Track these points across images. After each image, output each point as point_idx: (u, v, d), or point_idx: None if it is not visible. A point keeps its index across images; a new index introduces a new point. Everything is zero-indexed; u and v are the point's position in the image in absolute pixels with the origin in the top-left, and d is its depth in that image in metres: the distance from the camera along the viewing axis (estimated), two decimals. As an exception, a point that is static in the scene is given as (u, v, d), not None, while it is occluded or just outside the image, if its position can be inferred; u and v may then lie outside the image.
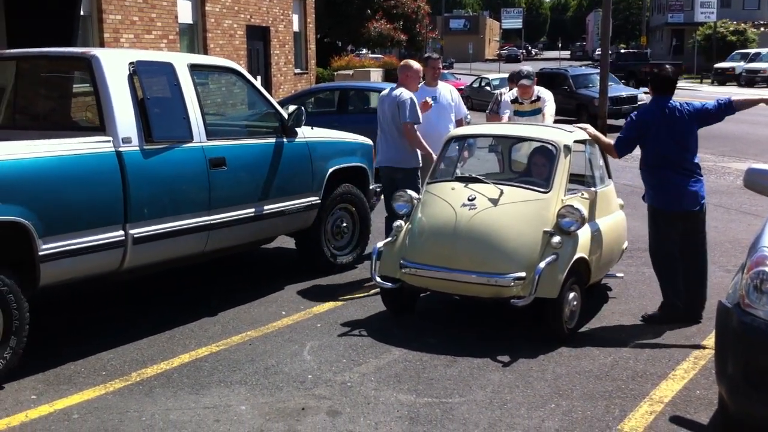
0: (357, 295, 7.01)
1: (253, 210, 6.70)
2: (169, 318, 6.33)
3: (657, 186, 6.15)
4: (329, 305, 6.75)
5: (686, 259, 6.20)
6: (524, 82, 8.38)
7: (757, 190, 4.88)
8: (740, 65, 45.44)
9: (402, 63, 7.68)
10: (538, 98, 8.46)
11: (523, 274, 5.64)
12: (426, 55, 8.48)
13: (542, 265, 5.59)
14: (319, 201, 7.44)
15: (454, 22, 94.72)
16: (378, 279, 6.13)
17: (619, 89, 23.52)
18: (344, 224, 7.88)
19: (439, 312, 6.62)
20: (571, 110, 23.55)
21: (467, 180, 6.31)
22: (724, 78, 45.90)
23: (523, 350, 5.68)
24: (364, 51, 47.47)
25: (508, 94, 8.79)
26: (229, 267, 7.89)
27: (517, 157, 7.42)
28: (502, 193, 6.03)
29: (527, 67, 8.94)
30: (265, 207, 6.82)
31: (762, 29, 58.36)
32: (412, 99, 7.25)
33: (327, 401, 4.85)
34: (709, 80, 47.75)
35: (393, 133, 7.37)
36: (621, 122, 23.10)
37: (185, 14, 18.14)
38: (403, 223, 6.31)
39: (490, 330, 6.14)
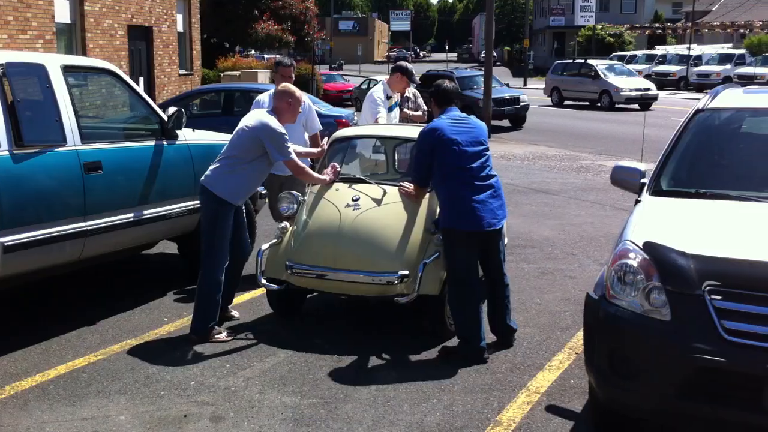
0: (242, 299, 6.94)
1: (131, 215, 6.54)
2: (45, 328, 6.12)
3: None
4: (213, 310, 6.66)
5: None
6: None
7: (622, 186, 5.10)
8: (618, 67, 47.23)
9: (283, 89, 6.15)
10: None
11: (406, 272, 5.70)
12: (277, 59, 7.53)
13: (425, 262, 5.67)
14: (202, 204, 7.32)
15: (343, 23, 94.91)
16: (263, 281, 6.04)
17: (502, 91, 24.08)
18: (228, 227, 7.78)
19: (325, 312, 6.64)
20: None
21: (351, 180, 6.34)
22: (602, 79, 47.59)
23: (408, 347, 5.77)
24: (253, 52, 47.06)
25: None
26: (108, 274, 7.68)
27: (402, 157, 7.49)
28: (385, 192, 6.09)
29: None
30: (145, 211, 6.67)
31: (638, 32, 60.91)
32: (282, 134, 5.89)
33: (210, 407, 4.79)
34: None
35: None
36: (505, 123, 23.82)
37: (62, 14, 17.54)
38: (288, 224, 6.28)
39: (376, 329, 6.20)
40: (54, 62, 6.22)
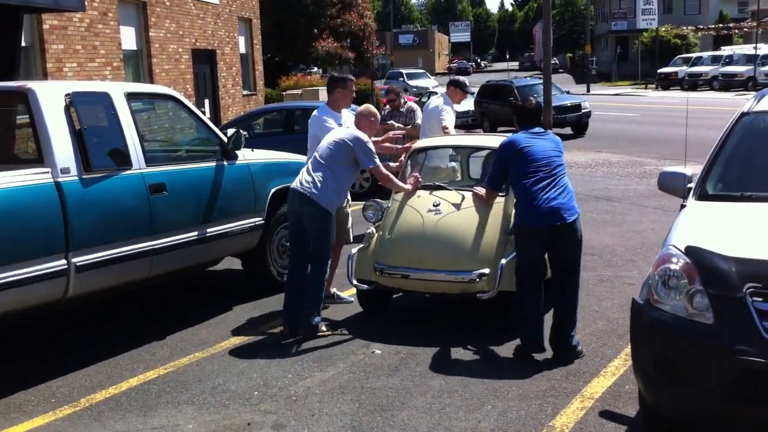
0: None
1: (195, 233, 6.82)
2: (117, 343, 6.42)
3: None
4: (276, 323, 6.88)
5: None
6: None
7: (669, 192, 5.14)
8: (682, 69, 46.53)
9: (365, 109, 6.86)
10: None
11: (486, 270, 6.18)
12: (342, 76, 7.74)
13: (503, 261, 6.10)
14: (263, 221, 7.58)
15: (403, 37, 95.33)
16: (355, 282, 6.60)
17: (563, 98, 23.99)
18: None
19: (384, 324, 6.79)
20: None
21: (431, 188, 6.83)
22: (667, 82, 46.96)
23: (464, 357, 5.91)
24: (315, 69, 47.73)
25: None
26: (177, 290, 7.98)
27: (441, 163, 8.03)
28: (463, 198, 6.57)
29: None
30: (208, 230, 6.95)
31: (703, 33, 59.79)
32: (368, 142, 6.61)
33: (272, 415, 5.00)
34: (654, 85, 48.74)
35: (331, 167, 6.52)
36: (566, 131, 23.70)
37: (129, 41, 18.17)
38: (374, 229, 6.82)
39: (431, 337, 6.33)
40: (118, 90, 6.56)
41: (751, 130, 5.12)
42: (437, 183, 7.00)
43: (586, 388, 5.24)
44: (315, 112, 7.43)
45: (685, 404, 3.86)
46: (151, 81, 18.74)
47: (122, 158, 6.25)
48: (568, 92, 27.18)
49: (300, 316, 6.45)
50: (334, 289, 7.33)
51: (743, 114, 5.20)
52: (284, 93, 27.76)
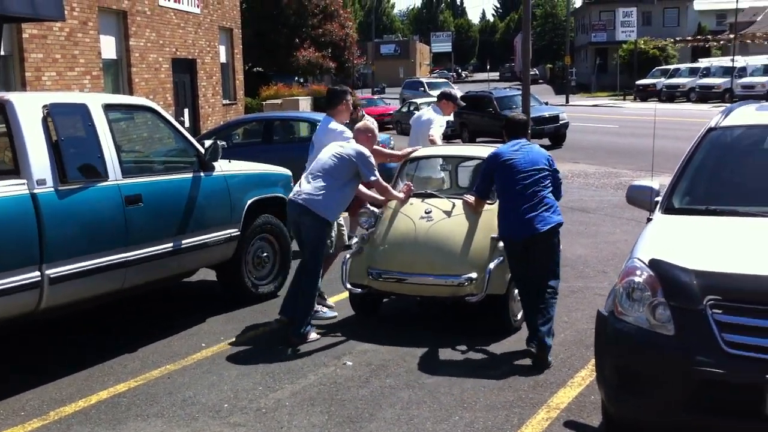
0: (277, 324, 7.17)
1: (171, 245, 6.84)
2: (88, 356, 6.41)
3: None
4: (249, 335, 6.92)
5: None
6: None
7: (637, 205, 5.24)
8: (660, 81, 46.97)
9: (363, 126, 7.17)
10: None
11: (474, 275, 6.45)
12: (344, 89, 7.96)
13: (491, 266, 6.40)
14: (239, 233, 7.60)
15: (384, 47, 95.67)
16: (348, 285, 6.81)
17: (541, 109, 24.17)
18: (265, 254, 8.05)
19: (357, 333, 6.82)
20: (496, 131, 24.11)
21: (423, 195, 7.15)
22: (645, 94, 47.37)
23: (434, 366, 5.96)
24: (301, 80, 47.72)
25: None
26: (150, 301, 7.98)
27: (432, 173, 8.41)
28: (454, 205, 6.86)
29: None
30: (184, 241, 6.97)
31: (680, 45, 60.38)
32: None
33: (242, 428, 5.02)
34: (632, 97, 49.16)
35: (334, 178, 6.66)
36: (544, 141, 23.86)
37: (109, 50, 18.15)
38: (367, 235, 7.05)
39: (404, 349, 6.38)
40: (95, 101, 6.57)
41: (717, 144, 5.22)
42: (429, 191, 7.35)
43: (552, 398, 5.31)
44: (331, 125, 7.42)
45: (646, 415, 3.92)
46: (131, 90, 18.72)
47: (98, 170, 6.26)
48: (546, 103, 27.37)
49: (297, 323, 6.61)
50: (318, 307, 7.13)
51: (710, 129, 5.30)
52: (264, 103, 27.80)
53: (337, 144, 6.85)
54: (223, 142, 7.72)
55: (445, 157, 8.54)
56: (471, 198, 6.73)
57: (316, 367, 6.04)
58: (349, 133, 7.18)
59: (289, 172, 8.63)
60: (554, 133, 23.92)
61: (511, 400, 5.29)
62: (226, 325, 7.21)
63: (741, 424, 3.65)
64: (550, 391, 5.42)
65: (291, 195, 6.77)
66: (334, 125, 7.42)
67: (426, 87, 41.77)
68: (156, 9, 20.20)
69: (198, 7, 22.86)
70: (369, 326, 7.01)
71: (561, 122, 24.06)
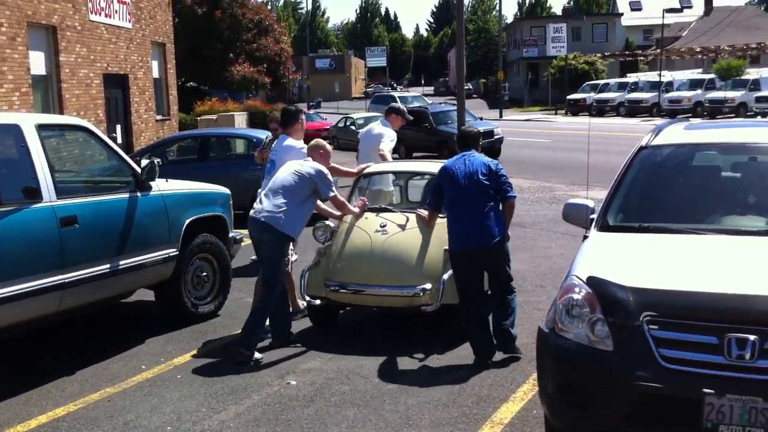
0: (219, 344, 7.13)
1: (108, 266, 6.74)
2: (25, 379, 6.27)
3: None
4: (190, 355, 6.85)
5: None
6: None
7: (573, 222, 5.37)
8: (590, 96, 48.00)
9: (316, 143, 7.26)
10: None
11: (429, 285, 6.73)
12: (299, 109, 8.35)
13: (445, 277, 6.66)
14: (177, 252, 7.53)
15: (319, 61, 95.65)
16: (307, 297, 7.03)
17: (476, 125, 24.43)
18: (204, 274, 7.99)
19: (300, 354, 6.81)
20: (432, 147, 24.39)
21: (377, 210, 7.44)
22: (576, 108, 48.33)
23: (378, 384, 5.99)
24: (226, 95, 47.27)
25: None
26: (87, 323, 7.84)
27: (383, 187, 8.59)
28: (408, 219, 7.16)
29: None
30: (121, 262, 6.87)
31: (609, 60, 61.87)
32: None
33: (186, 451, 4.97)
34: (563, 111, 50.13)
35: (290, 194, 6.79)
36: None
37: (38, 66, 17.76)
38: (324, 249, 7.24)
39: (348, 366, 6.40)
40: (28, 121, 6.45)
41: (648, 163, 5.39)
42: (383, 206, 7.65)
43: (496, 413, 5.39)
44: (287, 143, 7.65)
45: (588, 428, 4.02)
46: (61, 106, 18.35)
47: (32, 191, 6.14)
48: (481, 118, 27.75)
49: (250, 334, 6.69)
50: (302, 303, 7.52)
51: (641, 148, 5.47)
52: (199, 118, 27.53)
53: (296, 162, 6.97)
54: (158, 160, 7.65)
55: (396, 173, 8.81)
56: (424, 212, 6.99)
57: (259, 387, 6.01)
58: (303, 148, 7.41)
59: (227, 191, 8.60)
60: (489, 148, 24.15)
61: (455, 416, 5.35)
62: (166, 346, 7.13)
63: (680, 436, 3.77)
64: (493, 406, 5.50)
65: (252, 212, 6.81)
66: (292, 142, 7.62)
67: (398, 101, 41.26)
68: (87, 24, 19.87)
69: (129, 22, 22.57)
70: (313, 342, 7.03)
71: (496, 137, 24.39)
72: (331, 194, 6.84)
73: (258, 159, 10.12)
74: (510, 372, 6.19)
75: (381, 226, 7.10)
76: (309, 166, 6.85)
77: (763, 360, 3.67)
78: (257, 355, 6.63)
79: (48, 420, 5.52)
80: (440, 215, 6.84)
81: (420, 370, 6.29)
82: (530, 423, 5.19)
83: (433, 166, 7.63)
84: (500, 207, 6.44)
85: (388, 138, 9.41)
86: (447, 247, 6.64)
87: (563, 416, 4.16)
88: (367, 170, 8.22)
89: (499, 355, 6.49)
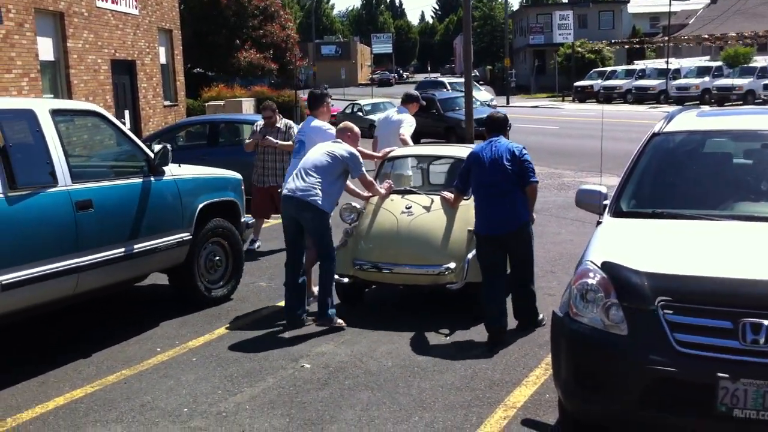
0: (232, 327, 7.20)
1: (123, 249, 6.80)
2: (42, 362, 6.35)
3: None
4: (204, 339, 6.92)
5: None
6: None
7: (586, 208, 5.40)
8: (598, 83, 47.91)
9: (344, 126, 7.59)
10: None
11: (453, 264, 7.01)
12: (323, 92, 8.51)
13: (469, 256, 6.96)
14: (191, 237, 7.59)
15: (325, 48, 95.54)
16: (336, 276, 7.16)
17: (483, 111, 24.41)
18: (217, 258, 8.06)
19: (313, 337, 6.88)
20: (440, 133, 24.36)
21: (403, 192, 7.75)
22: (583, 95, 48.23)
23: (392, 368, 6.04)
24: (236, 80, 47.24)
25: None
26: (102, 307, 7.91)
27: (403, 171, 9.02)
28: (432, 201, 7.44)
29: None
30: (135, 246, 6.93)
31: (617, 47, 61.69)
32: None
33: (203, 432, 5.04)
34: (571, 98, 50.04)
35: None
36: (487, 142, 24.11)
37: (46, 51, 17.80)
38: (351, 229, 7.54)
39: (360, 349, 6.46)
40: (43, 107, 6.49)
41: (661, 150, 5.42)
42: (408, 188, 7.98)
43: (509, 397, 5.44)
44: (315, 124, 7.98)
45: (602, 411, 4.08)
46: (69, 92, 18.39)
47: (48, 175, 6.20)
48: (488, 105, 27.64)
49: (299, 308, 7.10)
50: (315, 288, 7.64)
51: (654, 134, 5.50)
52: (206, 104, 27.53)
53: (329, 144, 7.28)
54: (169, 145, 7.70)
55: (419, 157, 9.12)
56: (448, 194, 7.28)
57: (274, 370, 6.08)
58: (333, 130, 7.71)
59: (239, 176, 8.66)
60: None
61: (468, 399, 5.41)
62: (180, 329, 7.20)
63: (693, 421, 3.82)
64: (506, 390, 5.56)
65: (285, 191, 7.05)
66: (320, 123, 7.94)
67: (448, 87, 40.87)
68: (94, 10, 19.87)
69: (136, 8, 22.56)
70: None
71: (503, 124, 24.31)
72: (360, 174, 7.20)
73: (249, 148, 10.25)
74: (522, 356, 6.24)
75: (407, 208, 7.39)
76: (342, 148, 7.16)
77: (778, 345, 3.72)
78: (339, 321, 7.00)
79: (66, 402, 5.59)
80: (465, 197, 7.16)
81: (432, 353, 6.35)
82: (543, 407, 5.24)
83: (455, 150, 8.14)
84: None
85: (408, 123, 9.70)
86: (470, 228, 6.96)
87: (577, 400, 4.21)
88: (391, 154, 8.55)
89: (511, 337, 6.56)
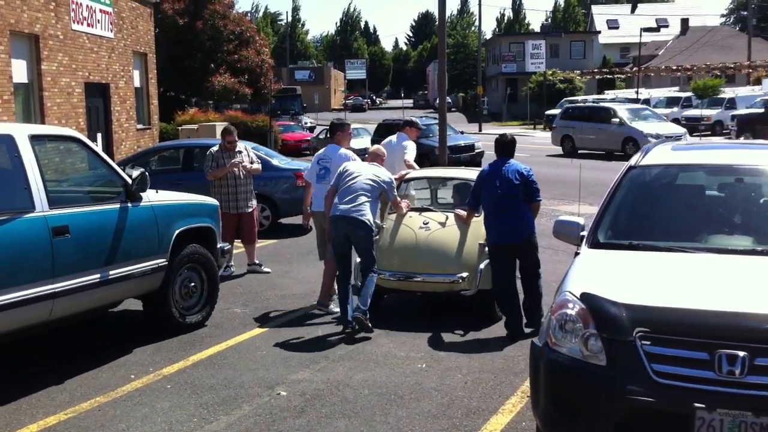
0: (207, 354, 7.16)
1: (98, 275, 6.75)
2: (14, 388, 6.26)
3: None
4: (179, 365, 6.87)
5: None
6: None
7: (564, 239, 5.47)
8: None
9: (376, 151, 8.63)
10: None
11: (466, 274, 7.86)
12: (342, 122, 9.27)
13: (481, 266, 7.84)
14: (166, 263, 7.56)
15: (299, 73, 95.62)
16: (358, 284, 7.92)
17: (457, 138, 24.65)
18: (192, 284, 8.02)
19: (289, 363, 6.86)
20: (414, 159, 24.48)
21: (419, 210, 8.68)
22: (554, 124, 48.58)
23: (368, 396, 6.04)
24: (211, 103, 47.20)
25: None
26: (75, 332, 7.83)
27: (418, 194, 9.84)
28: (447, 217, 8.32)
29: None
30: (111, 272, 6.89)
31: (587, 77, 62.50)
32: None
33: (179, 461, 5.00)
34: (542, 126, 50.48)
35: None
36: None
37: (20, 73, 17.69)
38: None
39: (336, 377, 6.45)
40: (22, 132, 6.47)
41: (637, 182, 5.52)
42: (425, 206, 8.94)
43: (485, 425, 5.46)
44: (342, 152, 8.74)
45: (580, 441, 4.11)
46: (42, 114, 18.27)
47: (25, 200, 6.16)
48: (462, 132, 27.91)
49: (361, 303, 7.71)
50: (332, 305, 8.42)
51: (630, 167, 5.60)
52: (180, 128, 27.44)
53: (373, 168, 8.15)
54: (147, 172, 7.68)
55: (430, 179, 10.02)
56: (462, 212, 8.16)
57: (249, 398, 6.05)
58: (355, 156, 8.69)
59: (216, 202, 8.67)
60: (470, 161, 24.39)
61: (446, 427, 5.42)
62: (155, 356, 7.14)
63: (670, 450, 3.87)
64: (483, 418, 5.58)
65: (337, 213, 7.75)
66: (345, 151, 8.76)
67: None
68: (69, 33, 19.82)
69: (111, 31, 22.53)
70: (299, 353, 7.07)
71: (476, 151, 24.58)
72: (394, 197, 8.20)
73: (218, 174, 10.25)
74: (498, 384, 6.27)
75: (424, 223, 8.26)
76: (384, 173, 8.15)
77: (753, 375, 3.79)
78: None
79: (39, 429, 5.53)
80: (476, 214, 8.00)
81: (408, 380, 6.35)
82: (520, 435, 5.27)
83: (463, 173, 9.27)
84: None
85: (410, 148, 10.43)
86: (482, 242, 7.90)
87: (556, 429, 4.24)
88: (408, 176, 9.49)
89: (484, 369, 6.58)
